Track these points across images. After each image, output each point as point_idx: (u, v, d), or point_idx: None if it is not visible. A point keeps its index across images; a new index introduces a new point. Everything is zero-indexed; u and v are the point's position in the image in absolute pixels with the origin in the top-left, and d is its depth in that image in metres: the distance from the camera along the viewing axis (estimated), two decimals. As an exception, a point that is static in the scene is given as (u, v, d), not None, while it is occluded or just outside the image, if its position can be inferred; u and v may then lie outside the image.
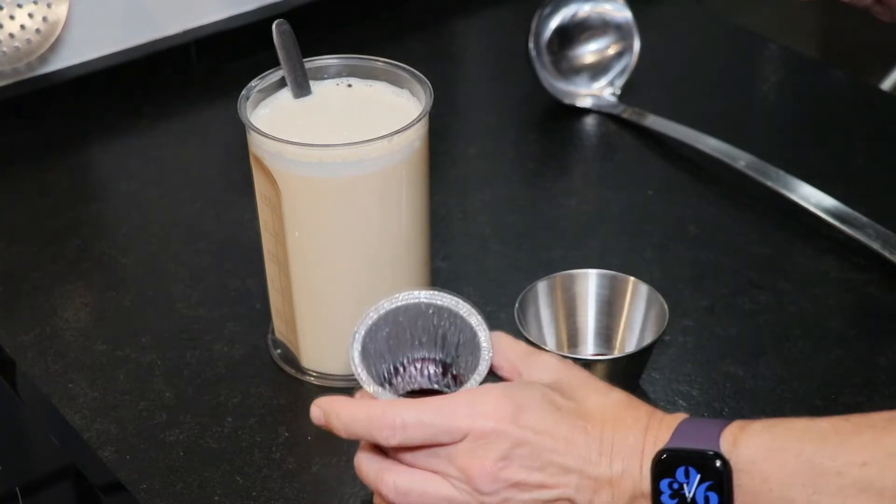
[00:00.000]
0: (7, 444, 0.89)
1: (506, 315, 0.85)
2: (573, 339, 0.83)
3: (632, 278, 0.82)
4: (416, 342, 0.75)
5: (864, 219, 0.92)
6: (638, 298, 0.82)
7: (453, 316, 0.73)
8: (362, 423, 0.66)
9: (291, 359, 0.84)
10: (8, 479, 0.88)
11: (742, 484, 0.62)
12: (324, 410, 0.68)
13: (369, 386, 0.71)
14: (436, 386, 0.76)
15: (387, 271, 0.80)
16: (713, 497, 0.63)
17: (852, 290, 0.90)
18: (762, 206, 0.98)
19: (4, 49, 1.03)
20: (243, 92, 0.79)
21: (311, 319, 0.81)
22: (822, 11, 1.48)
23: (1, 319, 0.89)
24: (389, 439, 0.65)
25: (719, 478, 0.62)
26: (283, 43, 0.80)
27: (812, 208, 0.94)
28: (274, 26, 0.80)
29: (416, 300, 0.71)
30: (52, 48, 1.09)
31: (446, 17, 1.25)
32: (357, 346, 0.71)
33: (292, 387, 0.83)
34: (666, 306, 0.80)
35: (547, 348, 0.78)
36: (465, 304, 0.72)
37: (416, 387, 0.75)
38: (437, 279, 0.89)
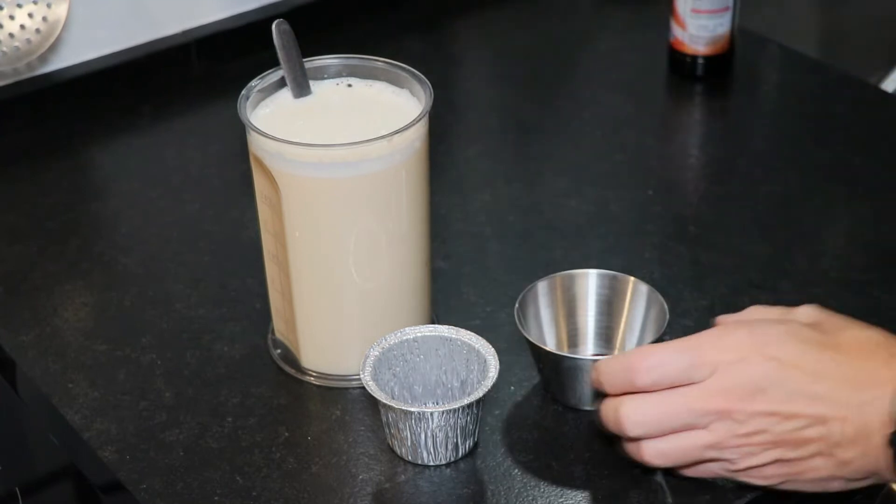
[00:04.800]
0: (7, 444, 0.89)
1: (506, 315, 0.85)
2: (573, 339, 0.83)
3: (632, 278, 0.82)
4: (429, 371, 0.78)
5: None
6: (638, 298, 0.81)
7: (468, 349, 0.77)
8: (620, 372, 0.70)
9: (291, 359, 0.84)
10: (8, 479, 0.88)
11: None
12: (596, 373, 0.72)
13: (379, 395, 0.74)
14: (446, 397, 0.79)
15: (387, 271, 0.80)
16: None
17: (852, 290, 0.90)
18: (762, 206, 0.98)
19: (4, 49, 1.03)
20: (243, 92, 0.79)
21: (311, 319, 0.81)
22: (822, 11, 1.48)
23: (1, 319, 0.89)
24: (645, 378, 0.69)
25: None
26: (283, 43, 0.80)
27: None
28: (274, 26, 0.80)
29: (433, 333, 0.78)
30: (52, 48, 1.09)
31: (446, 17, 1.25)
32: (368, 368, 0.76)
33: (292, 387, 0.83)
34: (666, 306, 0.80)
35: (547, 348, 0.78)
36: (479, 338, 0.77)
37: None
38: (437, 279, 0.89)
